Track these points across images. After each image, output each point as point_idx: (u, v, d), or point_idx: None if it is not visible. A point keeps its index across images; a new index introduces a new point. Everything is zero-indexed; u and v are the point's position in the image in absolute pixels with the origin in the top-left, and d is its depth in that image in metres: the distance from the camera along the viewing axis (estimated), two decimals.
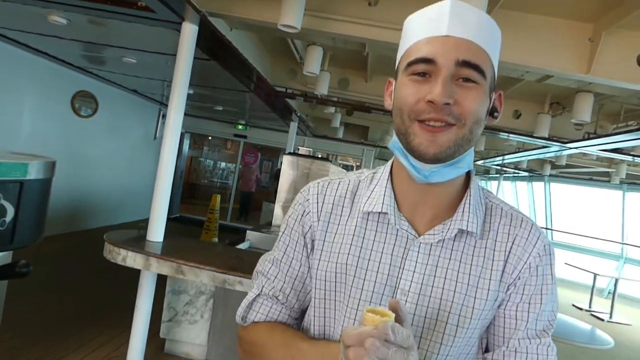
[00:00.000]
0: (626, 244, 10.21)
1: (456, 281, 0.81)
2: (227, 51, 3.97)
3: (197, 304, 3.57)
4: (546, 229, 12.10)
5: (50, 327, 3.79)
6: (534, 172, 11.10)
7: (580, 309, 7.94)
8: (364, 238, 0.85)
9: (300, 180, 4.79)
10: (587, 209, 12.16)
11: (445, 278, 0.81)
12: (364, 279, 0.83)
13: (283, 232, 0.94)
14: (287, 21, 2.86)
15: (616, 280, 7.98)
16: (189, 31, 3.24)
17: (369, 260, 0.84)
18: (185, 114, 3.43)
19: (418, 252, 0.82)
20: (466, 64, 0.74)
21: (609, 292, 8.91)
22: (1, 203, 0.93)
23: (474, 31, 0.75)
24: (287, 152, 6.23)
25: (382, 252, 0.84)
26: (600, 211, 11.50)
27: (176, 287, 3.56)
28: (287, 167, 4.87)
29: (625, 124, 5.04)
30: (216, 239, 8.34)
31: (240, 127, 11.27)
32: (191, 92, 6.90)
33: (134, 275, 3.26)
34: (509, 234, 0.84)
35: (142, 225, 3.54)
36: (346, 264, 0.85)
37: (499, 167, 11.73)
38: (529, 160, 9.70)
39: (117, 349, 3.56)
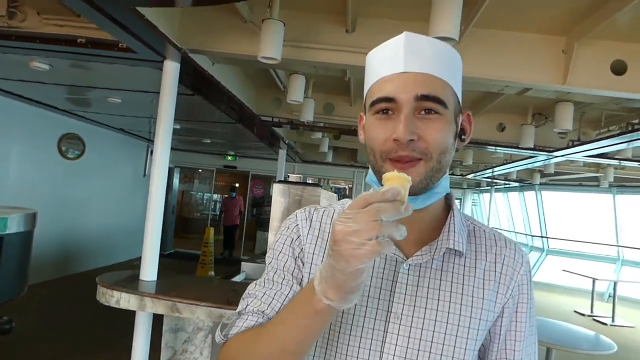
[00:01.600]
0: (621, 247, 10.24)
1: (449, 301, 0.81)
2: (210, 85, 4.02)
3: (196, 341, 3.51)
4: (541, 237, 12.14)
5: None
6: (525, 181, 11.19)
7: (583, 314, 7.91)
8: None
9: (292, 207, 4.79)
10: (580, 214, 12.23)
11: (438, 299, 0.82)
12: (355, 304, 0.82)
13: (272, 258, 0.91)
14: (267, 53, 2.90)
15: (615, 283, 7.98)
16: (171, 69, 3.28)
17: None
18: (174, 149, 3.45)
19: (408, 274, 0.83)
20: (425, 97, 0.76)
21: (609, 296, 8.89)
22: None
23: (430, 63, 0.78)
24: (277, 179, 6.25)
25: (372, 277, 0.84)
26: (593, 216, 11.57)
27: (173, 326, 3.50)
28: (278, 195, 4.86)
29: (607, 130, 5.12)
30: (212, 273, 8.26)
31: (229, 157, 11.31)
32: (178, 127, 6.94)
33: (129, 316, 3.21)
34: (496, 254, 0.87)
35: (136, 264, 3.50)
36: None
37: (489, 180, 11.81)
38: (518, 171, 9.80)
39: None
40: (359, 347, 0.82)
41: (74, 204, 7.67)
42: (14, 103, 5.95)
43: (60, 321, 5.20)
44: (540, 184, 10.78)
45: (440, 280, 0.83)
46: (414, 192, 0.77)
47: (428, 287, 0.82)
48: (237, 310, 0.88)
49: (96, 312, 4.95)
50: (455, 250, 0.83)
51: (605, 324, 7.39)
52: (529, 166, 8.09)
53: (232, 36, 3.26)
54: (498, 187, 13.56)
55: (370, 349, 0.81)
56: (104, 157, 8.35)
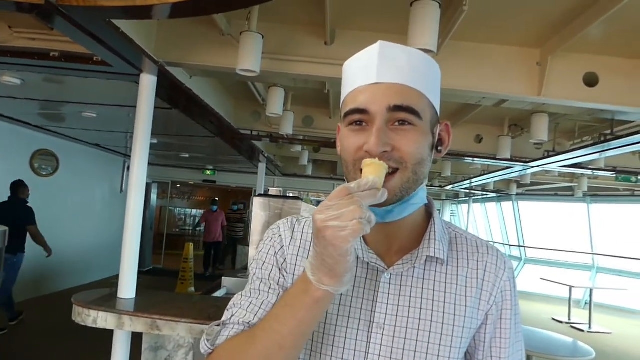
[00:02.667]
0: (596, 254, 10.45)
1: (432, 310, 0.81)
2: (188, 99, 3.97)
3: (177, 358, 3.42)
4: (518, 246, 12.30)
5: None
6: (502, 192, 11.36)
7: (560, 322, 8.01)
8: None
9: (273, 220, 4.74)
10: (556, 223, 12.46)
11: (420, 308, 0.81)
12: (337, 315, 0.83)
13: (256, 268, 0.90)
14: (245, 66, 2.88)
15: (591, 291, 8.12)
16: (148, 82, 3.23)
17: (341, 295, 0.83)
18: (151, 164, 3.40)
19: (389, 283, 0.82)
20: (398, 108, 0.75)
21: (585, 303, 9.03)
22: None
23: (404, 73, 0.76)
24: (257, 193, 6.20)
25: (353, 287, 0.83)
26: (569, 225, 11.80)
27: (153, 344, 3.41)
28: (258, 209, 4.81)
29: (580, 140, 5.24)
30: (192, 289, 8.12)
31: (208, 172, 11.20)
32: (155, 141, 6.85)
33: (108, 335, 3.11)
34: (478, 261, 0.86)
35: (113, 282, 3.40)
36: None
37: (467, 191, 11.96)
38: (495, 182, 9.95)
39: None
40: (342, 358, 0.81)
41: (49, 223, 7.44)
42: None
43: (35, 343, 5.01)
44: (517, 194, 10.96)
45: (422, 288, 0.82)
46: (389, 203, 0.76)
47: (410, 296, 0.82)
48: (222, 320, 0.85)
49: (72, 332, 4.80)
50: (437, 258, 0.83)
51: (582, 330, 7.49)
52: (506, 177, 8.22)
53: (210, 49, 3.24)
54: (476, 197, 13.73)
55: (355, 349, 0.81)
56: (79, 173, 8.16)
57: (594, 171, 6.48)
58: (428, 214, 0.89)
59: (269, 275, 0.88)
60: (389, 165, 0.74)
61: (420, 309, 0.81)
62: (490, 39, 3.27)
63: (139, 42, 2.80)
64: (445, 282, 0.83)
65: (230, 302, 0.88)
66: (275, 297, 0.85)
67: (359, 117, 0.77)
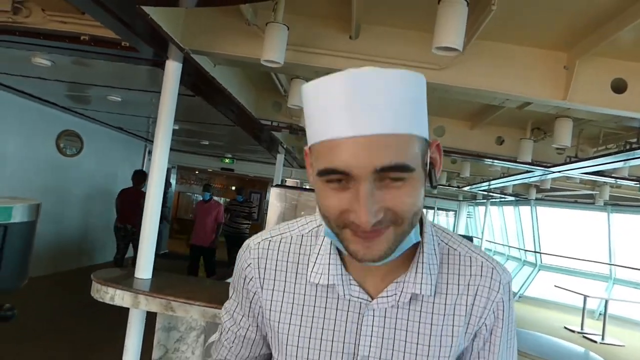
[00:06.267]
0: (614, 265, 10.27)
1: (417, 343, 0.79)
2: (211, 87, 4.02)
3: (188, 340, 3.49)
4: (534, 252, 12.16)
5: None
6: (520, 196, 11.22)
7: (573, 331, 7.91)
8: (314, 307, 0.82)
9: (289, 212, 4.79)
10: (575, 231, 12.27)
11: (405, 341, 0.79)
12: (320, 350, 0.81)
13: (233, 287, 0.92)
14: (269, 56, 2.91)
15: (606, 302, 8.00)
16: (173, 69, 3.28)
17: (323, 329, 0.81)
18: (172, 149, 3.45)
19: (373, 316, 0.79)
20: (387, 169, 0.63)
21: (599, 314, 8.90)
22: None
23: (385, 117, 0.63)
24: (274, 184, 6.24)
25: (335, 320, 0.81)
26: (587, 233, 11.61)
27: (166, 324, 3.49)
28: (275, 200, 4.86)
29: (604, 147, 5.15)
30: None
31: (227, 160, 11.30)
32: (177, 127, 6.91)
33: (124, 313, 3.20)
34: (469, 285, 0.81)
35: (131, 263, 3.48)
36: (299, 336, 0.82)
37: (485, 193, 11.84)
38: (514, 185, 9.82)
39: None
40: None
41: (71, 201, 7.64)
42: (13, 98, 5.94)
43: (55, 316, 5.16)
44: (536, 199, 10.81)
45: (408, 320, 0.79)
46: (382, 260, 0.69)
47: (395, 328, 0.79)
48: (216, 335, 0.96)
49: (89, 309, 4.93)
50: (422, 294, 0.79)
51: (595, 341, 7.39)
52: (526, 181, 8.12)
53: (236, 39, 3.27)
54: (494, 200, 13.58)
55: None
56: (102, 155, 8.33)
57: (617, 180, 6.36)
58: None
59: (240, 304, 0.90)
60: (379, 228, 0.66)
61: (405, 341, 0.79)
62: (517, 40, 3.23)
63: (166, 29, 2.84)
64: (432, 313, 0.80)
65: (222, 317, 0.95)
66: (250, 331, 0.90)
67: (339, 178, 0.65)
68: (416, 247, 0.78)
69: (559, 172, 6.09)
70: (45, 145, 6.89)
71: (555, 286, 9.00)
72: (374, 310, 0.79)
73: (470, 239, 14.46)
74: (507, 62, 3.25)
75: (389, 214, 0.65)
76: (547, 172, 6.39)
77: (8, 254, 0.93)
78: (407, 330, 0.79)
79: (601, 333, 7.57)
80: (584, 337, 7.61)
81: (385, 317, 0.79)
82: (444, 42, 2.32)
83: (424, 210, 0.81)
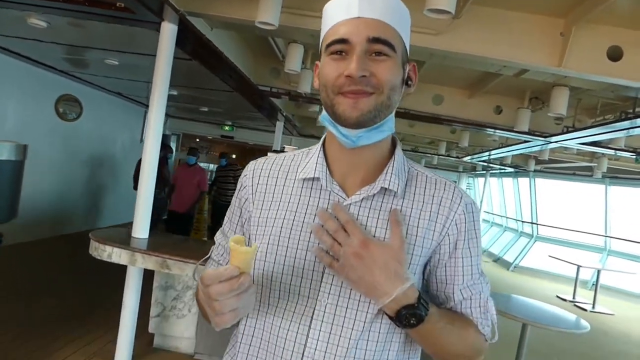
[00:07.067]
0: (609, 237, 10.38)
1: (384, 237, 0.87)
2: (208, 50, 4.00)
3: (185, 298, 3.60)
4: (531, 223, 12.27)
5: (40, 325, 3.80)
6: (519, 168, 11.25)
7: (564, 299, 8.07)
8: (298, 203, 0.93)
9: None
10: (572, 203, 12.34)
11: (374, 236, 0.87)
12: (299, 240, 0.90)
13: (230, 208, 1.06)
14: (264, 18, 2.91)
15: (598, 272, 8.13)
16: (168, 31, 3.27)
17: (303, 222, 0.91)
18: (172, 116, 3.50)
19: (348, 209, 0.89)
20: (376, 40, 0.83)
21: (592, 284, 9.05)
22: None
23: (382, 11, 0.84)
24: (272, 150, 6.26)
25: (315, 214, 0.90)
26: (584, 205, 11.69)
27: (163, 283, 3.59)
28: None
29: (602, 118, 5.16)
30: (205, 239, 8.35)
31: (227, 128, 11.29)
32: (175, 93, 6.92)
33: (122, 273, 3.29)
34: (433, 196, 0.92)
35: (129, 227, 3.56)
36: (281, 227, 0.92)
37: (485, 164, 11.87)
38: (513, 156, 9.84)
39: (106, 344, 3.59)
40: (301, 284, 0.89)
41: (71, 166, 7.70)
42: (11, 61, 5.91)
43: (56, 277, 5.29)
44: (535, 170, 10.84)
45: (378, 219, 0.89)
46: (363, 124, 0.84)
47: (366, 225, 0.88)
48: (209, 254, 1.07)
49: (89, 270, 5.04)
50: (392, 190, 0.90)
51: (585, 309, 7.54)
52: (525, 151, 8.14)
53: (231, 0, 3.25)
54: (493, 171, 13.62)
55: (312, 279, 0.88)
56: (101, 120, 8.33)
57: (616, 151, 6.38)
58: (393, 150, 0.95)
59: (232, 215, 1.04)
60: (365, 89, 0.82)
61: (374, 236, 0.87)
62: (513, 5, 3.21)
63: None
64: (401, 212, 0.90)
65: (216, 235, 1.08)
66: (235, 233, 1.01)
67: (341, 47, 0.84)
68: (389, 159, 0.93)
69: (556, 142, 6.10)
70: (45, 109, 6.89)
71: (549, 256, 9.12)
72: (349, 206, 0.89)
73: None
74: (503, 28, 3.23)
75: (373, 79, 0.83)
76: (545, 142, 6.41)
77: None
78: (376, 227, 0.88)
79: (592, 302, 7.72)
80: (575, 305, 7.77)
81: (358, 215, 0.89)
82: (436, 4, 2.31)
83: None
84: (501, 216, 14.85)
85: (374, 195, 0.90)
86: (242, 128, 11.24)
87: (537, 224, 12.15)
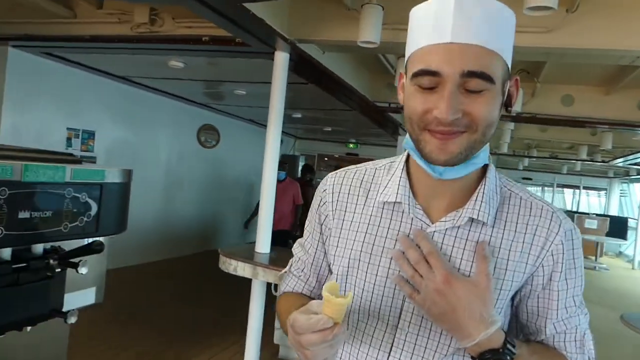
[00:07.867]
0: None
1: (470, 271, 0.81)
2: (319, 72, 4.22)
3: None
4: None
5: (184, 331, 4.31)
6: None
7: None
8: (379, 226, 0.87)
9: None
10: None
11: (459, 269, 0.81)
12: (378, 265, 0.86)
13: (308, 219, 1.02)
14: (365, 37, 3.00)
15: None
16: (281, 59, 3.54)
17: (384, 247, 0.86)
18: (299, 138, 3.72)
19: (432, 236, 0.83)
20: (472, 74, 0.71)
21: None
22: (86, 200, 1.20)
23: (480, 32, 0.72)
24: None
25: (396, 240, 0.85)
26: None
27: None
28: None
29: None
30: None
31: (351, 145, 11.57)
32: (299, 115, 7.35)
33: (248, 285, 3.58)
34: (527, 224, 0.83)
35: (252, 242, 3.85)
36: (361, 250, 0.88)
37: (638, 167, 10.46)
38: None
39: (235, 354, 3.91)
40: (380, 309, 0.86)
41: (212, 189, 8.58)
42: (162, 99, 6.86)
43: (199, 288, 5.92)
44: None
45: (464, 249, 0.82)
46: (452, 163, 0.76)
47: (450, 256, 0.82)
48: (286, 268, 1.08)
49: (226, 283, 5.53)
50: (480, 220, 0.82)
51: None
52: None
53: (336, 24, 3.41)
54: None
55: (391, 306, 0.85)
56: (236, 146, 9.13)
57: None
58: (484, 173, 0.86)
59: (313, 231, 1.00)
60: (455, 130, 0.73)
61: (459, 269, 0.81)
62: None
63: (269, 22, 3.09)
64: (489, 243, 0.82)
65: (293, 247, 1.08)
66: (315, 250, 1.00)
67: (429, 80, 0.73)
68: (479, 182, 0.85)
69: None
70: (188, 138, 7.83)
71: None
72: (433, 233, 0.83)
73: (624, 221, 12.87)
74: (629, 14, 2.89)
75: (466, 118, 0.73)
76: None
77: (104, 207, 1.21)
78: (461, 259, 0.81)
79: None
80: None
81: (442, 243, 0.82)
82: (536, 1, 2.18)
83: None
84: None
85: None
86: (366, 145, 11.43)
87: None
